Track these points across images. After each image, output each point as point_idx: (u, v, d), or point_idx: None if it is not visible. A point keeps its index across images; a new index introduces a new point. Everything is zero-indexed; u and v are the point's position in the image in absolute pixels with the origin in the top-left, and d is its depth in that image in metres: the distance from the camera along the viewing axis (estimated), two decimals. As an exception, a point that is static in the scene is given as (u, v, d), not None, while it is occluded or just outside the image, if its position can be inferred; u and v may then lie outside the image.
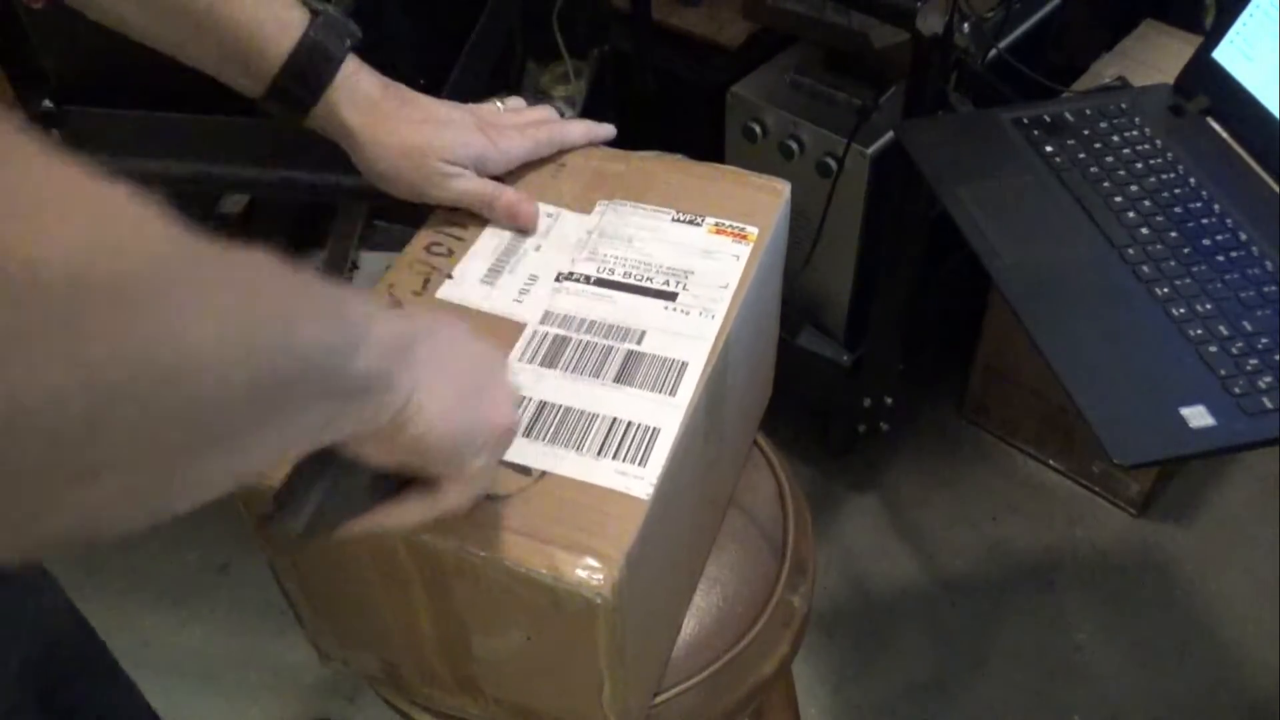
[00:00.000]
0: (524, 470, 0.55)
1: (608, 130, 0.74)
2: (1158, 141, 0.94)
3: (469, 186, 0.67)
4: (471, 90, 1.02)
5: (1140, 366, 0.76)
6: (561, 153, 0.73)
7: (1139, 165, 0.92)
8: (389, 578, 0.57)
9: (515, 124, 0.71)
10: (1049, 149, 0.94)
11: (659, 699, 0.69)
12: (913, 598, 1.38)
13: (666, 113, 1.36)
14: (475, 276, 0.65)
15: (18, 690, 0.65)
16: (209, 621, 1.38)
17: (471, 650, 0.61)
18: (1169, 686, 1.29)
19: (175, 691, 1.16)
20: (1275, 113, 0.90)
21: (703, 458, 0.64)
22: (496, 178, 0.69)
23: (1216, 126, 0.96)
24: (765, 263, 0.67)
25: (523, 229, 0.68)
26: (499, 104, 0.73)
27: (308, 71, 0.61)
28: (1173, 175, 0.91)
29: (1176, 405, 0.72)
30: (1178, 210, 0.88)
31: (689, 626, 0.72)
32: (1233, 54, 0.95)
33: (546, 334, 0.62)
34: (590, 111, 1.19)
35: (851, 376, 1.35)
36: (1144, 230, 0.86)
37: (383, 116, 0.64)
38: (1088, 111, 0.97)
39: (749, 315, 0.66)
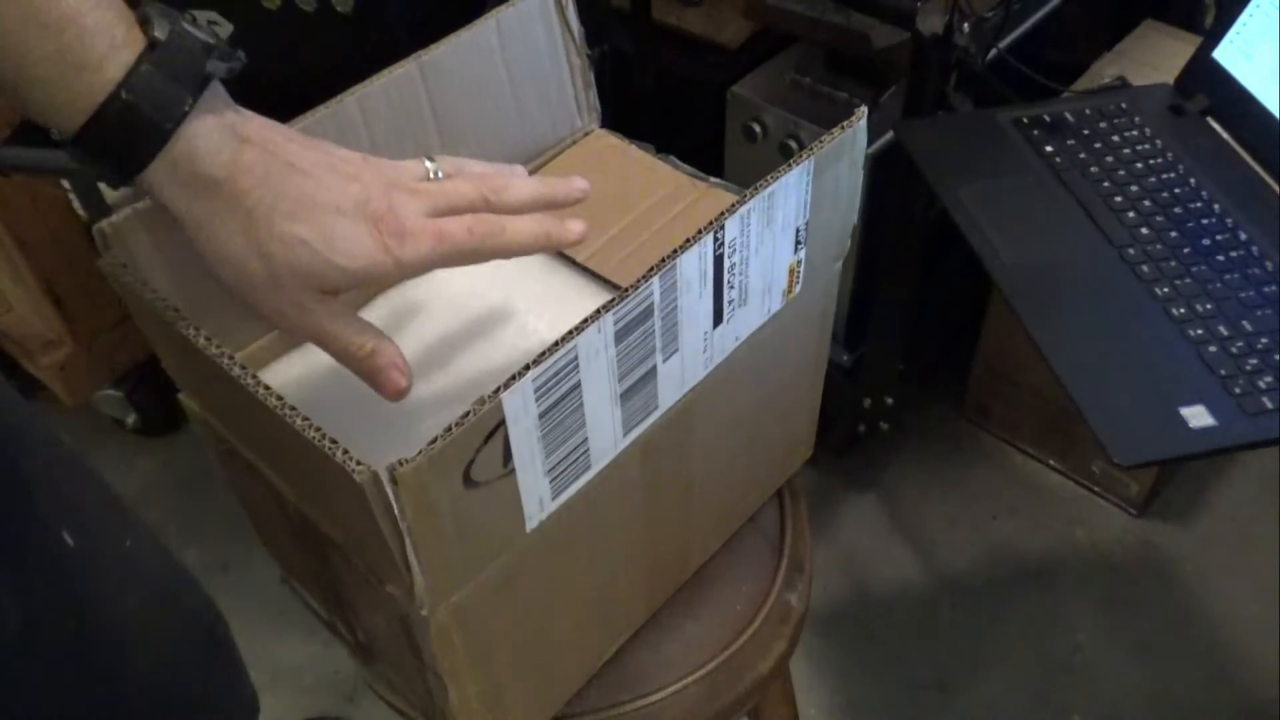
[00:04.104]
0: None
1: (570, 233, 0.52)
2: (1158, 141, 0.94)
3: (333, 330, 0.48)
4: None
5: (1140, 366, 0.76)
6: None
7: (1139, 165, 0.92)
8: None
9: (436, 208, 0.49)
10: (1049, 149, 0.94)
11: (656, 697, 0.69)
12: (913, 598, 1.38)
13: (666, 113, 1.36)
14: None
15: None
16: (209, 621, 1.38)
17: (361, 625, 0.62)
18: (1169, 686, 1.28)
19: (175, 690, 1.16)
20: (1275, 113, 0.90)
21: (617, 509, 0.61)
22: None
23: (1216, 126, 0.96)
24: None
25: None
26: (428, 163, 0.51)
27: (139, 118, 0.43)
28: (1173, 175, 0.91)
29: (1176, 405, 0.72)
30: (1178, 210, 0.88)
31: (686, 625, 0.72)
32: (1233, 54, 0.95)
33: None
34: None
35: (851, 376, 1.35)
36: (1144, 230, 0.86)
37: (226, 200, 0.45)
38: (1088, 111, 0.97)
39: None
